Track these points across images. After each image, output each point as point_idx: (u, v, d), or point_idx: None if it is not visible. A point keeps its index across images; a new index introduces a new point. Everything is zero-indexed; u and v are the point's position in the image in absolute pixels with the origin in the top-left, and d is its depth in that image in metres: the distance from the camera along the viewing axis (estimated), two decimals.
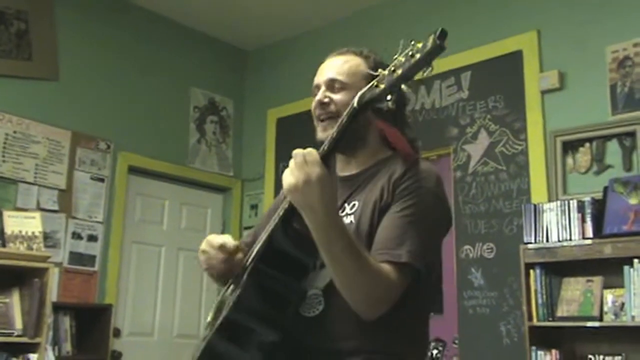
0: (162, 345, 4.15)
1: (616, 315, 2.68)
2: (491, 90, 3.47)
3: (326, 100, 1.36)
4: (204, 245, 1.37)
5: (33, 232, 3.09)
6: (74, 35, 3.90)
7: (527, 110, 3.32)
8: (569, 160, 3.16)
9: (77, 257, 3.72)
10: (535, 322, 2.85)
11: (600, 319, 2.71)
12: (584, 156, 3.12)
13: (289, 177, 1.13)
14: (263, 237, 1.28)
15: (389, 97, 1.06)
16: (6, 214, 3.11)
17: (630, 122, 2.98)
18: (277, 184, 4.37)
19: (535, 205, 2.99)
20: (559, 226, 2.87)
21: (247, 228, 4.53)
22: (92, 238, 3.81)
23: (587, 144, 3.11)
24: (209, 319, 1.41)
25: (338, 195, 1.31)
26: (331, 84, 1.38)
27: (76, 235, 3.74)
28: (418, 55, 1.01)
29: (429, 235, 1.26)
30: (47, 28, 3.80)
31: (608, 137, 3.05)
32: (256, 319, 1.21)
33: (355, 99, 1.11)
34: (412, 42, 1.03)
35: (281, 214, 1.23)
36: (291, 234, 1.22)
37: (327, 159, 1.14)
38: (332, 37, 4.19)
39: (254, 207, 4.55)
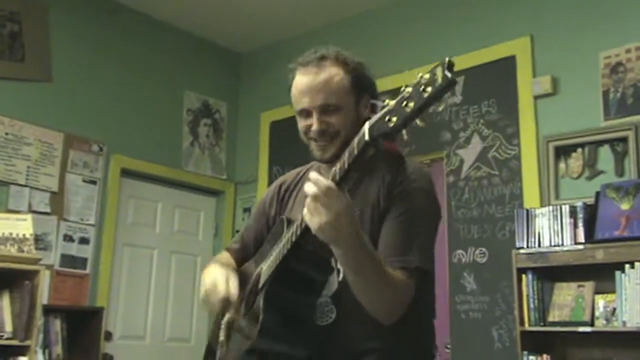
0: (154, 349, 4.13)
1: (607, 320, 2.69)
2: (484, 95, 3.48)
3: (324, 127, 1.36)
4: (208, 286, 1.36)
5: (24, 235, 3.07)
6: (67, 37, 3.89)
7: (520, 115, 3.33)
8: (562, 166, 3.17)
9: (68, 260, 3.70)
10: (527, 326, 2.85)
11: (592, 324, 2.72)
12: (576, 161, 3.13)
13: (315, 217, 1.10)
14: (271, 258, 1.28)
15: (404, 132, 1.04)
16: None
17: (622, 127, 3.00)
18: None
19: (527, 210, 3.00)
20: (551, 231, 2.88)
21: (239, 231, 4.51)
22: (83, 241, 3.79)
23: (580, 149, 3.12)
24: (222, 337, 1.43)
25: None
26: (323, 109, 1.36)
27: (68, 238, 3.72)
28: (430, 90, 0.98)
29: (430, 234, 1.33)
30: (40, 30, 3.79)
31: (600, 143, 3.07)
32: (282, 342, 1.25)
33: (366, 131, 1.07)
34: (420, 75, 1.00)
35: (293, 239, 1.22)
36: (305, 256, 1.24)
37: (343, 187, 1.14)
38: (325, 39, 4.15)
39: (247, 210, 4.54)
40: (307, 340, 1.26)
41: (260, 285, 1.31)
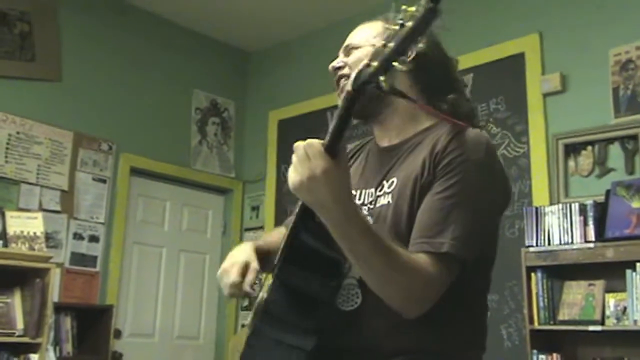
0: (163, 347, 4.15)
1: (618, 319, 2.67)
2: (493, 93, 3.47)
3: (340, 64, 1.30)
4: (225, 265, 1.23)
5: (35, 233, 3.09)
6: (77, 37, 3.91)
7: (529, 113, 3.32)
8: (571, 163, 3.16)
9: (78, 258, 3.72)
10: (536, 325, 2.84)
11: (602, 323, 2.70)
12: (586, 159, 3.11)
13: (292, 174, 1.00)
14: (285, 234, 1.18)
15: (381, 78, 0.90)
16: (8, 214, 3.12)
17: (632, 125, 2.98)
18: (279, 185, 4.37)
19: (536, 208, 2.99)
20: (560, 229, 2.87)
21: (247, 230, 4.53)
22: (93, 239, 3.81)
23: (589, 147, 3.10)
24: (248, 320, 1.33)
25: (377, 171, 1.23)
26: (346, 50, 1.32)
27: (78, 236, 3.74)
28: (409, 24, 0.84)
29: (477, 218, 1.10)
30: (50, 29, 3.81)
31: (610, 140, 3.05)
32: (289, 325, 1.11)
33: (351, 80, 0.95)
34: (404, 8, 0.87)
35: (298, 210, 1.11)
36: (313, 228, 1.09)
37: (332, 148, 0.98)
38: (333, 38, 4.17)
39: (255, 208, 4.55)
40: (318, 328, 1.10)
41: (275, 261, 1.19)
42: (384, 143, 1.27)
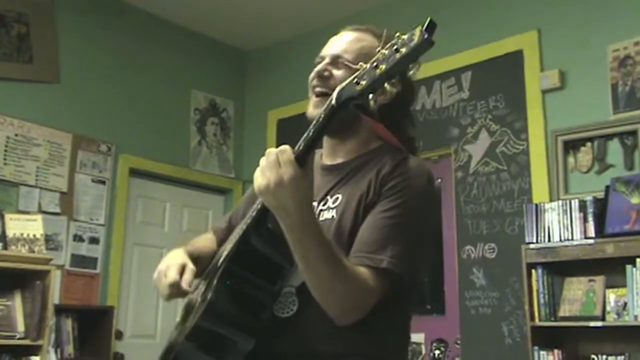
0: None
1: (619, 314, 2.68)
2: (492, 90, 3.47)
3: (326, 73, 1.28)
4: (161, 268, 1.27)
5: (34, 235, 3.09)
6: (75, 38, 3.91)
7: (528, 110, 3.32)
8: (570, 160, 3.16)
9: (78, 260, 3.72)
10: (537, 322, 2.84)
11: (603, 318, 2.71)
12: (585, 155, 3.12)
13: (260, 177, 1.04)
14: (235, 236, 1.21)
15: (370, 96, 0.95)
16: (8, 216, 3.11)
17: (631, 121, 2.98)
18: None
19: (536, 205, 2.99)
20: (560, 226, 2.87)
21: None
22: (93, 240, 3.81)
23: (589, 143, 3.11)
24: (178, 319, 1.35)
25: (321, 186, 1.26)
26: (335, 60, 1.29)
27: (78, 238, 3.74)
28: (403, 50, 0.91)
29: (415, 239, 1.18)
30: (47, 31, 3.81)
31: (609, 136, 3.05)
32: (229, 326, 1.14)
33: (334, 95, 1.00)
34: (397, 34, 0.93)
35: (254, 214, 1.14)
36: (265, 234, 1.14)
37: (302, 158, 1.03)
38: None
39: None
40: (257, 330, 1.14)
41: (219, 263, 1.21)
42: (327, 161, 1.31)
